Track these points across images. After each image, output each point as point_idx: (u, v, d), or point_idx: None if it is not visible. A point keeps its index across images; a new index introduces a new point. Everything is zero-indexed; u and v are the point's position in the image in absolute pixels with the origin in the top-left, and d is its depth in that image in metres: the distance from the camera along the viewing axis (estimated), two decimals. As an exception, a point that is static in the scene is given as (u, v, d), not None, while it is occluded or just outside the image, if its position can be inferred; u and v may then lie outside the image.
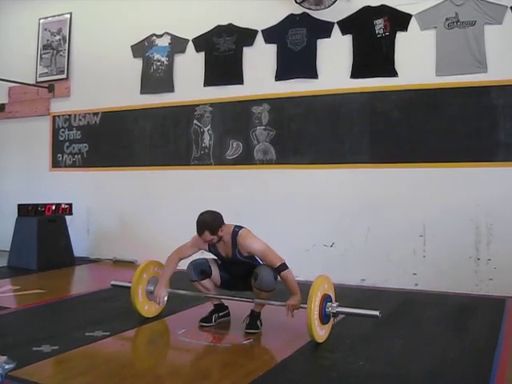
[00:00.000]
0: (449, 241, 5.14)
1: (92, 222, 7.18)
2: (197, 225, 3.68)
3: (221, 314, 4.01)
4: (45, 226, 6.48)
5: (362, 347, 3.44)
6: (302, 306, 3.53)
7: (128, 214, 6.89)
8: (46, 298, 4.87)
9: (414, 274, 5.27)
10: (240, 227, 3.77)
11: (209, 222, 3.67)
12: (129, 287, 4.05)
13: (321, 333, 3.49)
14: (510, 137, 4.96)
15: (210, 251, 3.91)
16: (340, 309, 3.55)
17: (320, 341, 3.48)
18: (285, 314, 3.64)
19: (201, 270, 3.87)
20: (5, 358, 2.68)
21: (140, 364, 3.33)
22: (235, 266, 3.86)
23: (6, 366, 2.64)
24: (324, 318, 3.49)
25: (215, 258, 3.97)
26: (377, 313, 3.46)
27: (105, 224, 7.08)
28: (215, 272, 3.92)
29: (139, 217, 6.80)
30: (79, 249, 6.94)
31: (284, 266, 3.63)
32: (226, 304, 4.08)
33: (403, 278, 5.29)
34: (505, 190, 4.99)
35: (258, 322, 3.80)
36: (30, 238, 6.39)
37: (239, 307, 4.05)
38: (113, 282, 4.46)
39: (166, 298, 4.01)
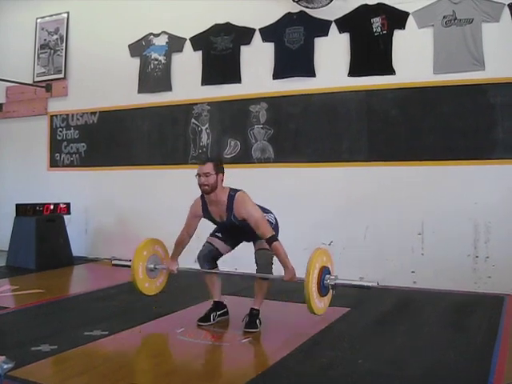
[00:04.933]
0: (447, 239, 5.14)
1: (90, 221, 7.17)
2: (204, 158, 3.84)
3: (219, 313, 4.00)
4: (43, 226, 6.48)
5: (360, 345, 3.44)
6: (300, 278, 3.50)
7: (126, 214, 6.88)
8: (45, 297, 4.86)
9: (413, 272, 5.28)
10: (236, 190, 3.78)
11: (214, 157, 3.91)
12: (129, 266, 4.04)
13: (319, 305, 3.49)
14: (508, 135, 4.96)
15: (204, 217, 3.91)
16: (338, 281, 3.56)
17: (319, 313, 3.49)
18: (284, 313, 3.64)
19: (211, 257, 3.94)
20: (3, 357, 2.67)
21: (138, 363, 3.33)
22: (233, 229, 3.86)
23: (5, 366, 2.63)
24: (322, 290, 3.49)
25: (217, 234, 3.99)
26: (375, 283, 3.52)
27: (103, 223, 7.07)
28: (222, 248, 3.96)
29: (137, 216, 6.80)
30: (77, 248, 6.94)
31: (274, 238, 3.65)
32: (224, 302, 4.09)
33: (401, 276, 5.29)
34: (503, 188, 4.99)
35: (257, 321, 3.80)
36: (28, 238, 6.38)
37: (239, 305, 4.05)
38: (114, 262, 4.50)
39: (174, 271, 4.07)
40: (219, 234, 3.98)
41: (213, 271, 4.01)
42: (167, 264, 4.09)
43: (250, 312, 3.85)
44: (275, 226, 3.86)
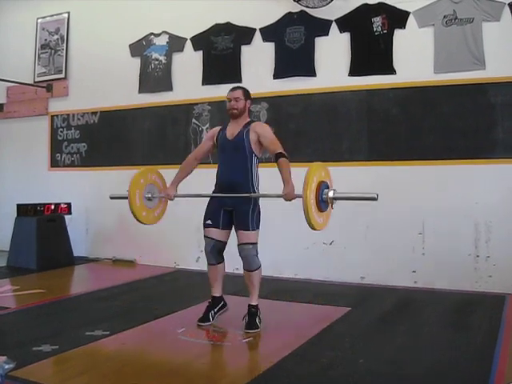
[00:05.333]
0: (448, 238, 5.14)
1: (91, 221, 7.17)
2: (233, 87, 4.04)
3: (216, 310, 3.98)
4: (44, 226, 6.48)
5: (361, 345, 3.45)
6: (298, 194, 3.46)
7: (127, 213, 6.84)
8: (46, 297, 4.87)
9: (414, 271, 5.27)
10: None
11: (245, 88, 4.01)
12: (126, 197, 4.01)
13: (319, 220, 3.44)
14: (508, 134, 4.96)
15: (217, 139, 3.97)
16: (338, 194, 3.49)
17: (318, 229, 3.44)
18: (285, 313, 3.63)
19: (217, 251, 3.90)
20: (5, 357, 2.68)
21: (140, 363, 3.32)
22: (231, 155, 3.85)
23: (6, 366, 2.64)
24: (321, 205, 3.43)
25: (208, 223, 3.92)
26: (374, 195, 3.45)
27: (104, 223, 7.07)
28: (221, 236, 3.89)
29: (138, 216, 6.79)
30: (78, 248, 6.94)
31: (283, 154, 3.72)
32: (222, 296, 4.06)
33: (402, 275, 5.29)
34: (503, 188, 4.99)
35: (257, 320, 3.80)
36: (29, 238, 6.39)
37: (239, 305, 4.05)
38: (111, 195, 4.45)
39: (171, 198, 4.12)
40: (209, 222, 3.92)
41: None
42: (165, 192, 4.13)
43: (249, 310, 3.84)
44: (258, 214, 3.87)
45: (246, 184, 3.82)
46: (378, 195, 3.45)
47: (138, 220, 4.08)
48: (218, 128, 4.08)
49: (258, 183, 3.89)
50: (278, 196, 3.64)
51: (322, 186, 3.45)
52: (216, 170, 3.99)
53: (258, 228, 3.83)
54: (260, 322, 3.81)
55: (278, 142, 3.80)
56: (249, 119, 3.98)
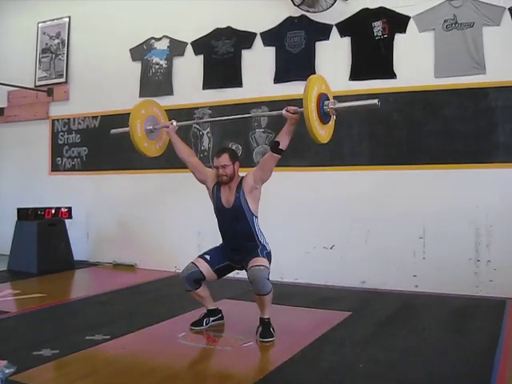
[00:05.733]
0: (449, 242, 5.13)
1: (91, 225, 7.17)
2: (218, 150, 3.95)
3: (212, 319, 3.99)
4: (44, 230, 6.48)
5: (362, 350, 3.44)
6: (299, 109, 3.43)
7: (127, 218, 6.88)
8: (46, 301, 4.86)
9: (414, 275, 5.27)
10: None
11: (230, 149, 3.97)
12: (127, 130, 4.01)
13: (321, 132, 3.40)
14: (509, 138, 4.96)
15: (212, 195, 3.92)
16: (339, 105, 3.43)
17: (321, 140, 3.41)
18: (286, 317, 3.61)
19: (194, 279, 3.83)
20: (5, 362, 2.68)
21: (140, 367, 3.31)
22: (232, 224, 3.82)
23: (7, 371, 2.64)
24: (323, 117, 3.38)
25: (205, 257, 3.87)
26: (375, 101, 3.38)
27: (104, 227, 7.07)
28: (207, 272, 3.83)
29: (139, 220, 6.80)
30: (79, 252, 6.93)
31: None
32: (219, 308, 4.08)
33: (403, 279, 5.28)
34: (504, 192, 4.98)
35: (271, 329, 3.69)
36: (29, 242, 6.39)
37: (240, 309, 4.05)
38: (112, 131, 4.44)
39: (173, 125, 4.16)
40: (207, 257, 3.87)
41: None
42: (165, 123, 4.17)
43: (261, 322, 3.72)
44: (269, 254, 3.82)
45: (253, 243, 3.79)
46: (379, 101, 3.39)
47: (139, 151, 4.05)
48: (214, 179, 3.91)
49: (263, 237, 3.86)
50: (279, 113, 3.65)
51: (323, 97, 3.38)
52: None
53: (269, 260, 3.73)
54: (274, 331, 3.69)
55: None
56: (239, 178, 3.88)
